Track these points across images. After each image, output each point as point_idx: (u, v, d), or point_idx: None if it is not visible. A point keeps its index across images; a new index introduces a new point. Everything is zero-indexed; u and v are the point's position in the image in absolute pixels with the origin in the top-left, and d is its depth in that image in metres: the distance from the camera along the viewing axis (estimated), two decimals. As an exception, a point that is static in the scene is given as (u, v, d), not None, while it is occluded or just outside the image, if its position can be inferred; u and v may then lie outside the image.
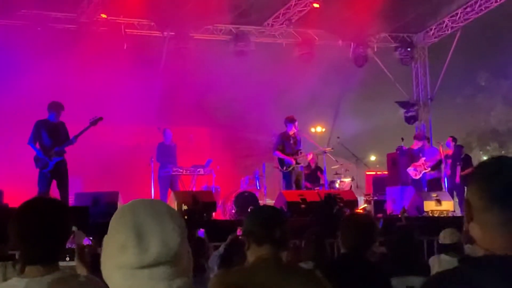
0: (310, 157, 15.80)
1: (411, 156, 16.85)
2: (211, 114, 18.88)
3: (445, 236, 6.99)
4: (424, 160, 16.65)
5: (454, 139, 17.32)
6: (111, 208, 12.50)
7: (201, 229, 9.82)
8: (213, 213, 13.72)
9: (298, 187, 15.05)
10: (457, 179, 16.62)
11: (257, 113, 20.58)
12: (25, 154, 16.49)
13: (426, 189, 16.51)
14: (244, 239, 3.68)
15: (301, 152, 15.24)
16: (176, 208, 11.89)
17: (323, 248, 6.27)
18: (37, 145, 12.72)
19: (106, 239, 2.08)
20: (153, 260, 1.99)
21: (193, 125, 19.60)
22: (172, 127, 16.72)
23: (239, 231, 9.18)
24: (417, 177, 16.65)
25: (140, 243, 1.99)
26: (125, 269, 2.01)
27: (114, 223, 2.08)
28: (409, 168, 16.68)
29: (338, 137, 17.95)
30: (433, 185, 16.77)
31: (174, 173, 15.40)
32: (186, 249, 2.08)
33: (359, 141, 19.47)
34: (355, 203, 14.33)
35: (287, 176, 15.12)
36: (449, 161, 16.94)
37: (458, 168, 16.71)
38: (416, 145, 16.96)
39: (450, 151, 17.09)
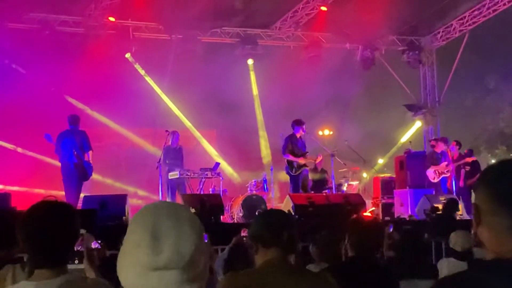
0: (319, 158, 15.76)
1: (432, 158, 16.78)
2: (218, 117, 18.88)
3: (455, 240, 6.93)
4: (446, 165, 16.62)
5: (458, 143, 17.29)
6: (119, 211, 12.51)
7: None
8: (221, 216, 13.71)
9: (305, 190, 15.05)
10: (461, 183, 16.58)
11: (264, 115, 20.58)
12: (32, 157, 16.59)
13: (445, 192, 16.42)
14: (252, 243, 3.68)
15: (307, 155, 15.26)
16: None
17: (338, 250, 6.19)
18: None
19: (126, 234, 2.08)
20: (164, 264, 1.99)
21: (200, 128, 19.62)
22: (179, 130, 16.75)
23: (243, 232, 9.19)
24: (435, 181, 16.59)
25: (154, 245, 1.99)
26: (137, 267, 2.01)
27: (134, 221, 2.09)
28: (429, 170, 16.59)
29: (345, 140, 17.91)
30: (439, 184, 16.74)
31: (181, 176, 15.39)
32: (202, 256, 2.07)
33: (367, 144, 19.38)
34: (362, 206, 14.28)
35: (294, 180, 15.13)
36: (454, 165, 16.91)
37: (463, 172, 16.68)
38: (440, 148, 16.87)
39: (455, 155, 17.10)
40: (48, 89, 16.74)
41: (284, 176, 15.82)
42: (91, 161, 13.66)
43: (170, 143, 15.69)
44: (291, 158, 15.05)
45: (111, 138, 17.87)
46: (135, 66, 19.05)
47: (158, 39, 19.28)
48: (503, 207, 1.94)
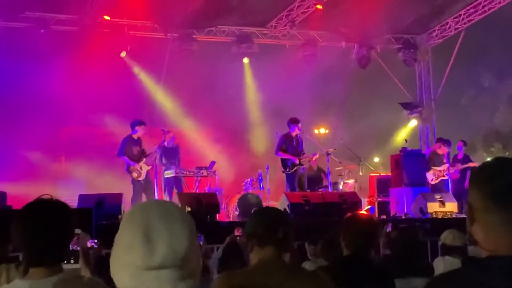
0: (316, 157, 15.77)
1: (433, 160, 16.85)
2: (214, 115, 18.87)
3: (449, 238, 6.90)
4: (447, 168, 16.69)
5: (465, 143, 17.36)
6: (115, 210, 12.50)
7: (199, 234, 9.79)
8: (217, 215, 13.71)
9: (302, 188, 15.06)
10: (466, 184, 16.61)
11: (260, 114, 20.58)
12: (28, 156, 16.54)
13: (448, 190, 16.54)
14: (247, 241, 3.68)
15: (303, 154, 15.27)
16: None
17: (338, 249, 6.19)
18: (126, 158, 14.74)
19: (116, 237, 2.07)
20: (159, 263, 1.98)
21: (196, 126, 19.59)
22: (174, 128, 16.76)
23: (236, 231, 9.19)
24: (433, 182, 16.67)
25: (147, 245, 1.99)
26: (131, 268, 2.00)
27: (125, 221, 2.08)
28: (429, 172, 16.69)
29: (341, 139, 17.91)
30: (437, 186, 16.77)
31: (177, 175, 15.38)
32: (195, 252, 2.07)
33: (363, 142, 19.39)
34: (358, 204, 14.29)
35: (290, 178, 15.14)
36: (458, 164, 16.96)
37: (469, 173, 16.70)
38: (442, 150, 16.93)
39: (460, 155, 17.18)
40: (43, 87, 16.66)
41: (280, 174, 15.82)
42: (132, 167, 14.68)
43: (165, 143, 15.71)
44: (283, 156, 15.08)
45: (106, 137, 17.78)
46: (131, 64, 19.03)
47: (154, 38, 19.24)
48: (495, 205, 1.95)
